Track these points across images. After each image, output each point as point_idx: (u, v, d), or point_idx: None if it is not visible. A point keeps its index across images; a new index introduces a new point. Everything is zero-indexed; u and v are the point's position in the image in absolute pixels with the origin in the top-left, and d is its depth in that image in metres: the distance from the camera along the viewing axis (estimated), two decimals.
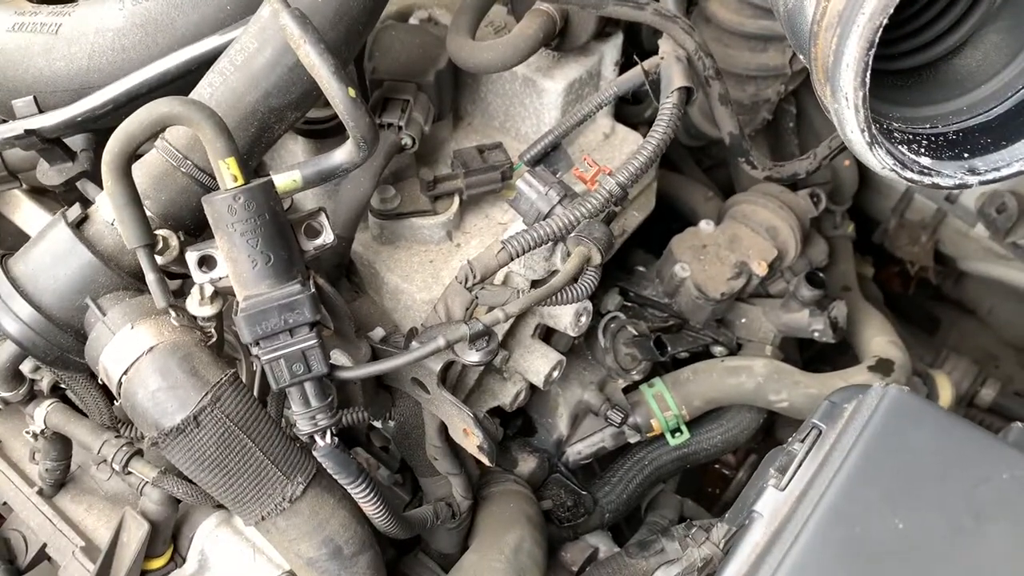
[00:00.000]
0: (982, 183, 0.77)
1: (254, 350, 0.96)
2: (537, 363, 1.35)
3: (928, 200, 2.13)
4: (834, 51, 0.74)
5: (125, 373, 0.97)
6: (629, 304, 1.66)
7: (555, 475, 1.56)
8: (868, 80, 0.73)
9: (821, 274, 1.62)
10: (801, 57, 0.90)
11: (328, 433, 0.98)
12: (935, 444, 0.78)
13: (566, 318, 1.30)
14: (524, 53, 1.22)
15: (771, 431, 1.91)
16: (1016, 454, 0.76)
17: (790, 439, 0.93)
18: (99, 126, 1.14)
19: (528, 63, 1.37)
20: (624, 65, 1.44)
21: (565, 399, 1.54)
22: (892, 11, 0.70)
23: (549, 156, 1.30)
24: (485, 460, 1.11)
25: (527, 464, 1.51)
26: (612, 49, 1.41)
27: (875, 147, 0.76)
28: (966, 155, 0.81)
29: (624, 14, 1.18)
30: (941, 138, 0.83)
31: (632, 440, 1.57)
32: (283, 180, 0.99)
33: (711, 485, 1.99)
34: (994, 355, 2.62)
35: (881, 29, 0.71)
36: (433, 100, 1.31)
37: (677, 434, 1.57)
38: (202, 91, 1.04)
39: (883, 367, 1.60)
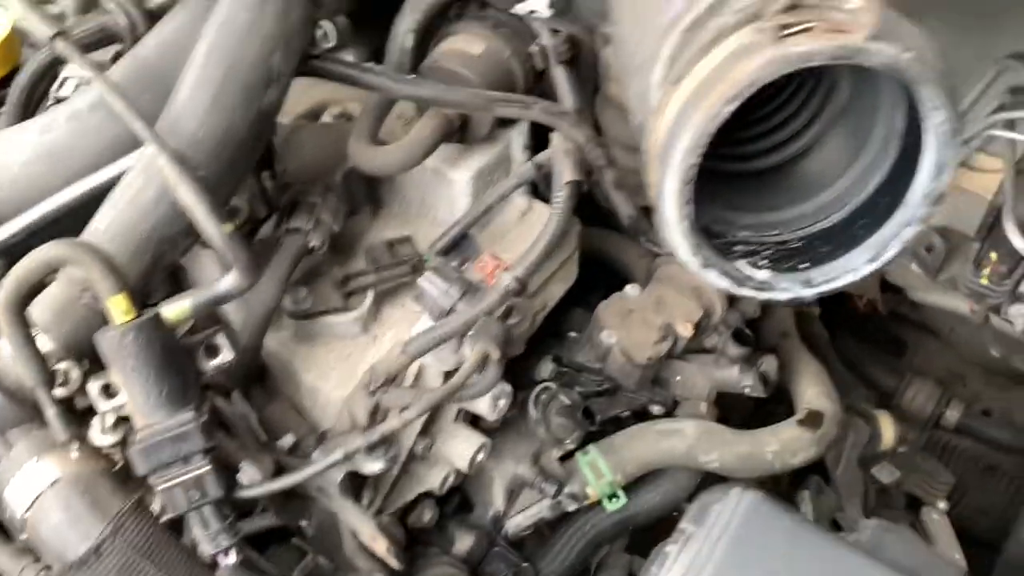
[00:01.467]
0: (816, 295, 0.80)
1: (150, 479, 0.99)
2: (460, 447, 1.38)
3: None
4: (657, 183, 0.77)
5: (29, 509, 1.00)
6: (565, 369, 1.69)
7: (496, 549, 1.58)
8: (691, 213, 0.76)
9: (747, 331, 1.65)
10: None
11: (231, 552, 1.01)
12: (788, 551, 0.80)
13: (483, 405, 1.33)
14: (419, 156, 1.26)
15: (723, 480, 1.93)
16: (862, 561, 0.79)
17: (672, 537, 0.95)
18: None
19: (436, 155, 1.41)
20: (537, 146, 1.48)
21: (499, 473, 1.56)
22: (705, 148, 0.73)
23: (460, 244, 1.34)
24: (392, 563, 1.13)
25: (464, 543, 1.53)
26: (519, 134, 1.45)
27: (708, 269, 0.80)
28: (805, 265, 0.84)
29: (511, 114, 1.22)
30: (784, 247, 0.87)
31: (570, 509, 1.59)
32: (172, 311, 1.02)
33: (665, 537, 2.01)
34: (960, 374, 2.64)
35: (696, 167, 0.74)
36: (343, 198, 1.34)
37: (614, 500, 1.60)
38: (97, 224, 1.08)
39: (812, 420, 1.63)
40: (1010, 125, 1.79)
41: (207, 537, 1.00)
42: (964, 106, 1.89)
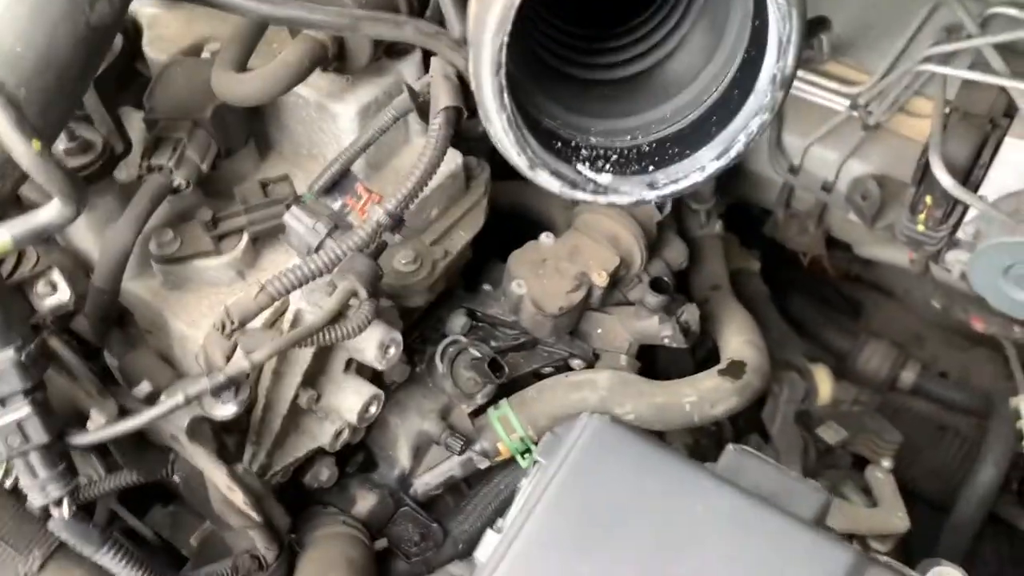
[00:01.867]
0: (660, 197, 0.73)
1: None
2: (349, 400, 1.30)
3: (807, 191, 2.09)
4: (475, 75, 0.69)
5: None
6: (479, 323, 1.61)
7: (403, 508, 1.51)
8: (509, 103, 0.69)
9: (665, 279, 1.57)
10: None
11: (64, 503, 0.93)
12: (633, 478, 0.73)
13: (370, 352, 1.25)
14: (287, 82, 1.17)
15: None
16: (715, 484, 0.71)
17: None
18: None
19: (319, 88, 1.32)
20: None
21: (404, 430, 1.49)
22: (510, 28, 0.65)
23: (339, 184, 1.25)
24: (251, 514, 1.06)
25: (366, 502, 1.46)
26: (410, 66, 1.36)
27: (536, 170, 0.72)
28: (651, 168, 0.76)
29: (379, 34, 1.13)
30: (633, 151, 0.79)
31: (482, 466, 1.52)
32: None
33: None
34: (919, 335, 2.59)
35: (504, 48, 0.66)
36: (215, 136, 1.26)
37: (526, 456, 1.52)
38: None
39: (734, 370, 1.56)
40: (944, 62, 1.72)
41: (35, 486, 0.92)
42: (900, 44, 1.82)
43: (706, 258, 1.89)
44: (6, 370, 0.89)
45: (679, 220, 1.91)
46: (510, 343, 1.59)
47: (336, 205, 1.22)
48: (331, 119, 1.33)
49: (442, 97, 1.12)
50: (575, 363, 1.63)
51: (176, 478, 1.16)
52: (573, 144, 0.76)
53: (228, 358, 1.06)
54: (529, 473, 0.83)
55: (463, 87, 1.13)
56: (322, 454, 1.41)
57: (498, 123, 0.69)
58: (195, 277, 1.25)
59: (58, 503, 0.93)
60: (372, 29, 1.12)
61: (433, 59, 1.17)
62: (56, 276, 0.98)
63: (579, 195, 0.74)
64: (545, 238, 1.59)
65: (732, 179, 2.08)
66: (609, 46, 0.87)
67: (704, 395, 1.51)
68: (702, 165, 0.73)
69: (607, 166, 0.75)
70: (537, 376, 1.61)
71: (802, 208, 2.17)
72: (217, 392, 0.96)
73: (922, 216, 1.75)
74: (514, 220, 1.84)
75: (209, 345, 1.06)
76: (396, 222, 1.11)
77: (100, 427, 0.97)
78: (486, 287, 1.64)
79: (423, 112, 1.14)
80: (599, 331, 1.65)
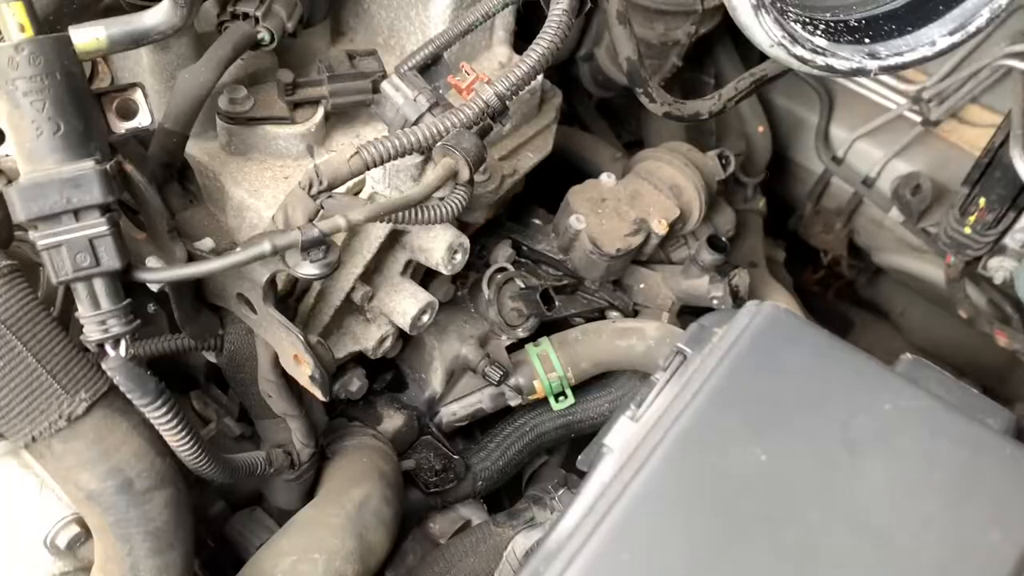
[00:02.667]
0: (882, 69, 0.66)
1: (31, 235, 0.80)
2: (404, 303, 1.21)
3: (845, 185, 2.06)
4: None
5: None
6: (522, 259, 1.53)
7: (425, 437, 1.42)
8: None
9: (724, 239, 1.51)
10: None
11: (122, 343, 0.83)
12: (811, 368, 0.66)
13: (438, 252, 1.17)
14: None
15: None
16: (902, 383, 0.65)
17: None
18: None
19: None
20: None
21: (441, 352, 1.40)
22: None
23: (429, 70, 1.16)
24: (317, 393, 0.96)
25: (392, 422, 1.37)
26: None
27: (760, 12, 0.64)
28: (867, 40, 0.69)
29: None
30: (841, 24, 0.72)
31: (513, 403, 1.44)
32: (83, 38, 0.83)
33: None
34: None
35: None
36: None
37: (561, 398, 1.45)
38: None
39: None
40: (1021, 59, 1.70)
41: (95, 319, 0.82)
42: (973, 44, 1.80)
43: (747, 233, 1.84)
44: (87, 177, 0.79)
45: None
46: (552, 283, 1.51)
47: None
48: (422, 4, 1.24)
49: None
50: (613, 314, 1.57)
51: (222, 354, 1.06)
52: (778, 5, 0.69)
53: (310, 220, 0.97)
54: (667, 363, 0.75)
55: None
56: (354, 364, 1.31)
57: None
58: (261, 144, 1.14)
59: (117, 342, 0.83)
60: None
61: None
62: (139, 97, 0.88)
63: (798, 51, 0.67)
64: (606, 178, 1.52)
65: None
66: None
67: None
68: (932, 40, 0.67)
69: (817, 32, 0.69)
70: (567, 323, 1.54)
71: (832, 204, 2.15)
72: (307, 248, 0.87)
73: (972, 218, 1.72)
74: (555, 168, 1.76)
75: (292, 203, 0.96)
76: (502, 108, 1.03)
77: (174, 265, 0.86)
78: (536, 221, 1.56)
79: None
80: (641, 286, 1.59)
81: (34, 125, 0.79)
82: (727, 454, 0.62)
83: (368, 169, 0.98)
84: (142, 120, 0.87)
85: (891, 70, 0.69)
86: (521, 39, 1.43)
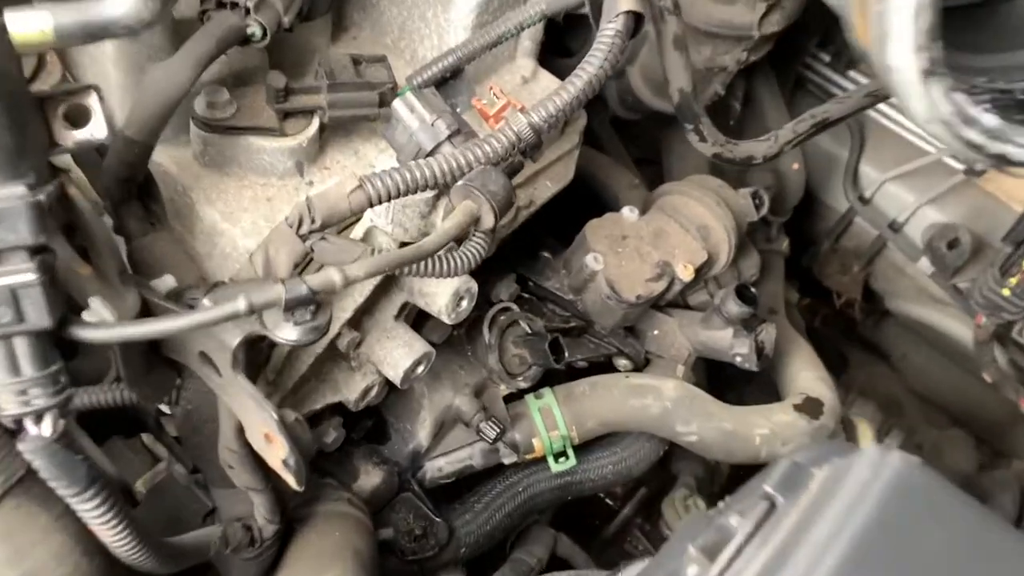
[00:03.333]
0: None
1: None
2: (396, 354, 1.04)
3: (867, 226, 1.92)
4: None
5: None
6: (527, 296, 1.36)
7: (405, 494, 1.25)
8: None
9: (753, 289, 1.35)
10: None
11: (46, 419, 0.65)
12: (961, 548, 0.50)
13: (442, 299, 0.99)
14: None
15: (665, 462, 1.65)
16: None
17: (721, 505, 0.64)
18: None
19: None
20: None
21: (431, 402, 1.23)
22: None
23: (447, 85, 0.98)
24: (290, 480, 0.78)
25: (370, 478, 1.19)
26: None
27: (931, 80, 0.48)
28: None
29: None
30: (1008, 97, 0.55)
31: (507, 461, 1.27)
32: (23, 26, 0.65)
33: (592, 516, 1.71)
34: (899, 403, 2.47)
35: None
36: None
37: (562, 459, 1.28)
38: None
39: (811, 408, 1.36)
40: None
41: (13, 388, 0.64)
42: None
43: (769, 277, 1.68)
44: (13, 211, 0.61)
45: None
46: (558, 324, 1.35)
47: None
48: (443, 5, 1.06)
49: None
50: (621, 363, 1.41)
51: (174, 409, 0.88)
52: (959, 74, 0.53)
53: (296, 266, 0.79)
54: (747, 507, 0.58)
55: None
56: (331, 412, 1.14)
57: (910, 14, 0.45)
58: (243, 157, 0.96)
59: (39, 417, 0.65)
60: None
61: None
62: (93, 101, 0.69)
63: (967, 135, 0.51)
64: (628, 212, 1.36)
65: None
66: None
67: (777, 430, 1.30)
68: None
69: (983, 105, 0.53)
70: (571, 369, 1.38)
71: (851, 245, 2.01)
72: (292, 307, 0.69)
73: (1014, 280, 1.58)
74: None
75: (275, 243, 0.79)
76: (536, 142, 0.86)
77: (122, 322, 0.68)
78: (545, 254, 1.40)
79: (595, 10, 0.89)
80: (655, 332, 1.42)
81: None
82: None
83: (372, 207, 0.80)
84: (95, 131, 0.69)
85: None
86: (547, 51, 1.27)
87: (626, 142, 1.81)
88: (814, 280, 2.11)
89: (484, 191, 0.81)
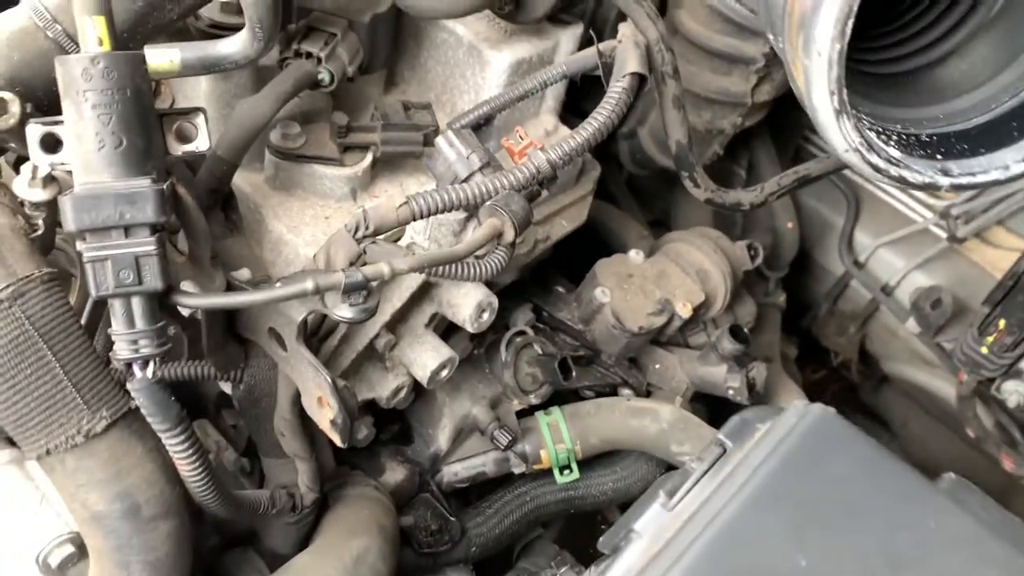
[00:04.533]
0: (954, 187, 0.67)
1: (79, 245, 0.79)
2: (425, 356, 1.20)
3: (863, 290, 2.07)
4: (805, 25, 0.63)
5: None
6: (541, 325, 1.53)
7: (424, 494, 1.39)
8: (848, 31, 0.62)
9: (746, 330, 1.51)
10: (771, 38, 0.79)
11: (151, 364, 0.82)
12: (858, 476, 0.65)
13: (466, 309, 1.16)
14: (474, 2, 1.10)
15: None
16: (948, 503, 0.64)
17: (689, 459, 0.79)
18: None
19: (476, 31, 1.25)
20: None
21: (451, 410, 1.38)
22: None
23: (480, 130, 1.17)
24: (336, 438, 0.94)
25: (395, 475, 1.34)
26: (569, 39, 1.30)
27: (842, 117, 0.65)
28: (939, 156, 0.70)
29: None
30: (913, 138, 0.73)
31: (516, 471, 1.42)
32: (157, 59, 0.84)
33: (593, 536, 1.83)
34: None
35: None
36: (364, 45, 1.17)
37: (566, 471, 1.43)
38: None
39: None
40: None
41: (127, 337, 0.80)
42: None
43: (765, 327, 1.83)
44: (142, 195, 0.78)
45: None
46: (568, 352, 1.51)
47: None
48: (479, 66, 1.25)
49: (630, 62, 1.06)
50: (625, 392, 1.56)
51: (240, 386, 1.04)
52: (855, 112, 0.70)
53: (351, 264, 0.96)
54: (705, 454, 0.74)
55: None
56: (363, 411, 1.29)
57: (828, 53, 0.62)
58: (307, 182, 1.15)
59: (146, 363, 0.81)
60: None
61: (624, 25, 1.11)
62: (200, 122, 0.88)
63: (873, 159, 0.67)
64: (635, 254, 1.53)
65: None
66: (871, 43, 0.81)
67: None
68: (1005, 164, 0.68)
69: (891, 142, 0.69)
70: (578, 395, 1.53)
71: (847, 308, 2.15)
72: (349, 291, 0.86)
73: (990, 339, 1.72)
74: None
75: (335, 244, 0.96)
76: (552, 175, 1.04)
77: (214, 293, 0.85)
78: (559, 288, 1.56)
79: (606, 72, 1.08)
80: (657, 366, 1.58)
81: (97, 137, 0.79)
82: (767, 556, 0.61)
83: (415, 219, 0.98)
84: (200, 145, 0.87)
85: (962, 188, 0.70)
86: (567, 110, 1.46)
87: (640, 205, 2.00)
88: (814, 342, 2.25)
89: (507, 210, 0.98)
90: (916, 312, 1.88)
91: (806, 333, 2.25)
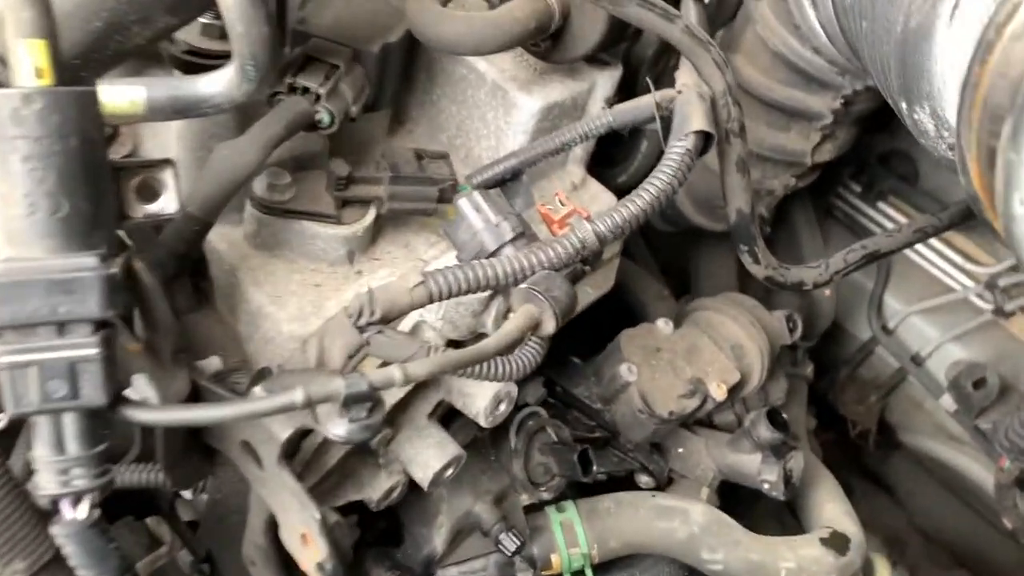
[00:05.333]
0: None
1: None
2: (427, 454, 1.00)
3: (887, 358, 1.91)
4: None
5: None
6: (552, 401, 1.33)
7: None
8: None
9: (784, 415, 1.33)
10: (902, 106, 0.61)
11: (84, 502, 0.61)
12: None
13: (481, 401, 0.97)
14: (506, 39, 0.92)
15: None
16: None
17: None
18: None
19: (502, 69, 1.07)
20: None
21: (450, 507, 1.18)
22: None
23: (506, 187, 0.98)
24: None
25: None
26: (606, 81, 1.12)
27: None
28: None
29: (646, 21, 0.89)
30: None
31: None
32: (116, 98, 0.64)
33: None
34: (901, 540, 2.41)
35: None
36: (372, 79, 0.98)
37: None
38: None
39: (838, 543, 1.32)
40: None
41: (54, 467, 0.60)
42: None
43: (792, 402, 1.66)
44: (84, 282, 0.58)
45: None
46: (583, 433, 1.31)
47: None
48: (505, 108, 1.07)
49: (695, 117, 0.88)
50: (643, 479, 1.37)
51: (203, 495, 0.84)
52: None
53: (350, 358, 0.77)
54: None
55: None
56: (349, 509, 1.09)
57: None
58: (295, 241, 0.95)
59: (78, 500, 0.61)
60: (637, 12, 0.88)
61: (682, 71, 0.94)
62: (169, 177, 0.68)
63: None
64: (663, 324, 1.34)
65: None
66: None
67: (804, 565, 1.25)
68: None
69: None
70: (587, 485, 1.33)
71: (868, 375, 1.99)
72: (349, 403, 0.66)
73: None
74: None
75: (331, 334, 0.76)
76: (598, 251, 0.85)
77: (176, 405, 0.65)
78: (575, 360, 1.37)
79: (664, 128, 0.90)
80: (680, 450, 1.39)
81: (27, 200, 0.59)
82: None
83: (432, 302, 0.78)
84: (167, 206, 0.68)
85: None
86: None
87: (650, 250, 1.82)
88: (828, 406, 2.09)
89: (548, 296, 0.79)
90: (956, 390, 1.72)
91: (820, 398, 2.09)
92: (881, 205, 1.86)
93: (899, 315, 1.85)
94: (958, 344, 1.79)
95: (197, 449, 0.79)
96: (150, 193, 0.69)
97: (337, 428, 0.68)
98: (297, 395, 0.65)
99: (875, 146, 1.85)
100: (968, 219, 1.15)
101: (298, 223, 0.93)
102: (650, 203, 0.84)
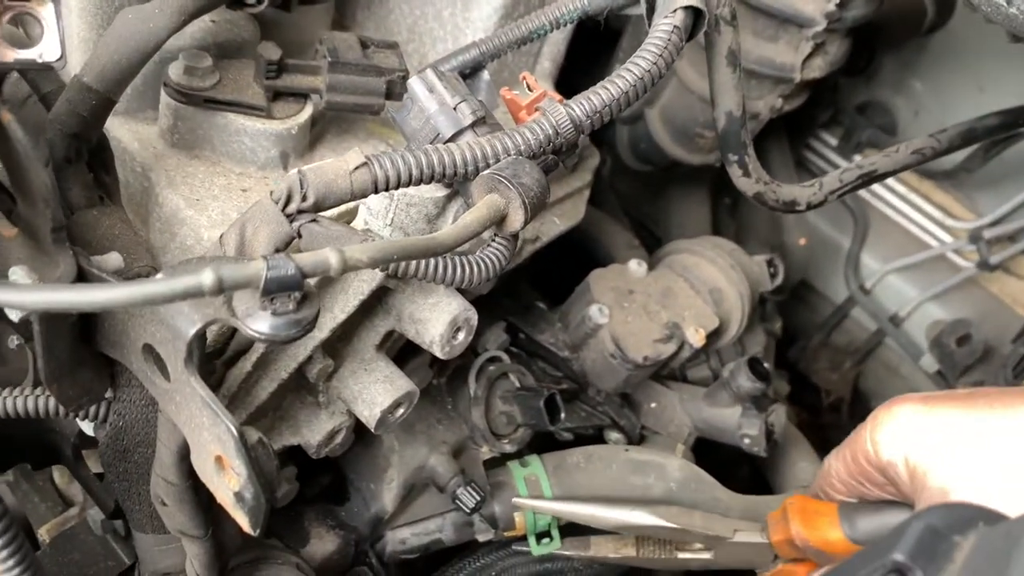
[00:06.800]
0: None
1: None
2: (374, 390, 0.87)
3: (863, 321, 1.82)
4: None
5: None
6: (515, 349, 1.21)
7: (360, 568, 1.05)
8: None
9: (767, 365, 1.22)
10: None
11: None
12: None
13: (436, 327, 0.84)
14: None
15: None
16: None
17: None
18: None
19: None
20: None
21: (402, 459, 1.05)
22: None
23: (465, 80, 0.86)
24: (242, 521, 0.60)
25: (323, 544, 1.01)
26: None
27: None
28: None
29: None
30: None
31: (481, 538, 1.09)
32: None
33: None
34: None
35: None
36: None
37: (545, 540, 1.11)
38: None
39: None
40: None
41: None
42: None
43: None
44: None
45: None
46: (548, 384, 1.20)
47: None
48: (463, 3, 0.94)
49: None
50: (613, 436, 1.25)
51: (100, 427, 0.70)
52: None
53: (277, 251, 0.64)
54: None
55: None
56: (288, 458, 0.96)
57: None
58: (219, 139, 0.81)
59: None
60: None
61: None
62: (48, 14, 0.54)
63: None
64: (636, 266, 1.23)
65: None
66: None
67: None
68: None
69: None
70: (551, 437, 1.21)
71: (843, 341, 1.90)
72: (272, 291, 0.53)
73: None
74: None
75: (254, 220, 0.63)
76: (573, 140, 0.73)
77: (55, 285, 0.51)
78: (540, 305, 1.25)
79: (649, 8, 0.78)
80: (652, 405, 1.28)
81: None
82: None
83: (378, 191, 0.66)
84: (47, 52, 0.54)
85: None
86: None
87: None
88: (799, 376, 1.99)
89: (516, 183, 0.67)
90: (938, 349, 1.63)
91: (790, 367, 2.00)
92: (857, 159, 1.77)
93: (876, 274, 1.76)
94: (937, 303, 1.71)
95: (91, 360, 0.65)
96: (24, 36, 0.55)
97: (258, 322, 0.55)
98: (207, 276, 0.51)
99: (853, 96, 1.76)
100: (969, 143, 1.05)
101: (222, 116, 0.80)
102: (633, 85, 0.72)
